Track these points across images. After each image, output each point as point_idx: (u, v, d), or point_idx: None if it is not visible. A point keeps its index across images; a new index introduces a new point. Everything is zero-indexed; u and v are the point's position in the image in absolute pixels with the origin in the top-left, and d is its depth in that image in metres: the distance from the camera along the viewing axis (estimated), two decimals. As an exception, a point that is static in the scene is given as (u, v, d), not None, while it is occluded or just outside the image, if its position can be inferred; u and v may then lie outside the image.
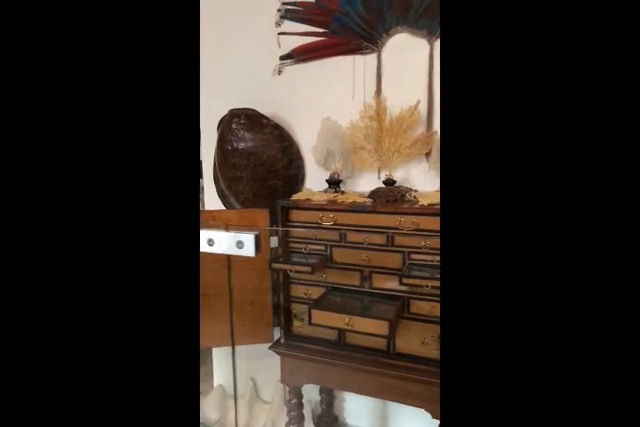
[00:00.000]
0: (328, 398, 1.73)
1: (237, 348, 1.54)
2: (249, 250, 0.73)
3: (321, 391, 1.70)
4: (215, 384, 1.94)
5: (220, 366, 1.96)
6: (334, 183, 1.48)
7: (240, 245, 0.73)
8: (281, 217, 1.26)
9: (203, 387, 2.22)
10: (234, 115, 1.55)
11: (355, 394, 1.69)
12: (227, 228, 0.73)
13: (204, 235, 0.75)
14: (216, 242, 0.74)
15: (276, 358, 1.53)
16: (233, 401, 1.88)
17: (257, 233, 0.74)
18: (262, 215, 1.21)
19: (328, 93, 1.54)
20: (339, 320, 1.09)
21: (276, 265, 1.16)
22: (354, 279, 1.25)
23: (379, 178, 1.49)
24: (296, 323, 1.34)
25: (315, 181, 1.61)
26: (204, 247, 0.76)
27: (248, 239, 0.72)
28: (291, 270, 1.15)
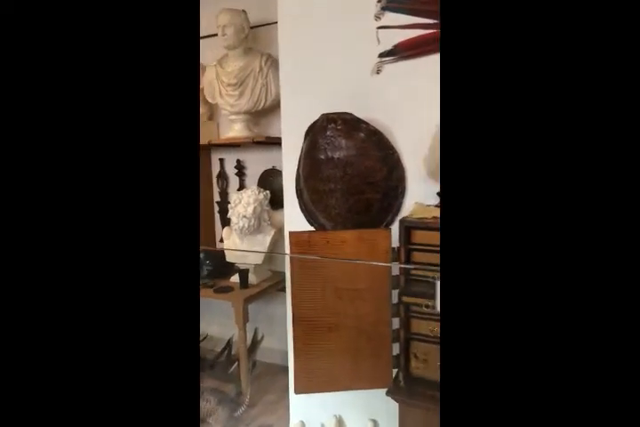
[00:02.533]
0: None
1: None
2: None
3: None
4: (295, 421, 1.74)
5: (299, 400, 1.76)
6: (447, 197, 1.27)
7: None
8: (403, 238, 1.07)
9: (273, 418, 2.04)
10: (329, 120, 1.37)
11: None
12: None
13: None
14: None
15: (363, 391, 1.32)
16: (314, 440, 1.68)
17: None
18: (384, 236, 1.02)
19: (437, 93, 1.34)
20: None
21: (407, 299, 0.96)
22: (494, 314, 1.04)
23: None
24: (415, 364, 1.13)
25: (417, 195, 1.41)
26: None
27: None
28: (427, 305, 0.95)
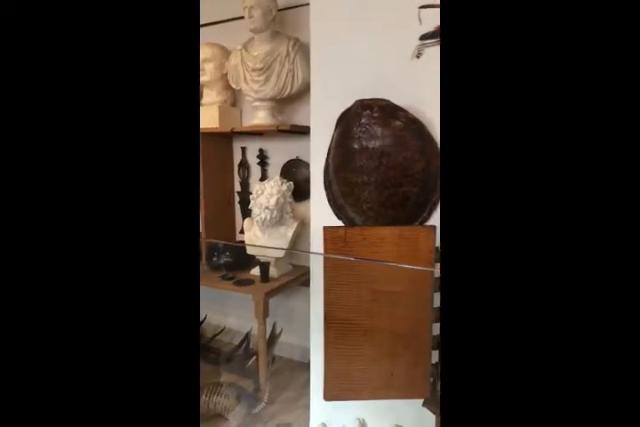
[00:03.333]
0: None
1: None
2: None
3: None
4: (316, 422, 1.68)
5: (321, 401, 1.69)
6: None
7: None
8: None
9: (292, 416, 1.98)
10: (365, 106, 1.28)
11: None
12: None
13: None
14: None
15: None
16: (336, 442, 1.62)
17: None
18: (427, 234, 0.93)
19: (485, 79, 1.23)
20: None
21: (453, 304, 0.87)
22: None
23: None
24: (454, 372, 1.04)
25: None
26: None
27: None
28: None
